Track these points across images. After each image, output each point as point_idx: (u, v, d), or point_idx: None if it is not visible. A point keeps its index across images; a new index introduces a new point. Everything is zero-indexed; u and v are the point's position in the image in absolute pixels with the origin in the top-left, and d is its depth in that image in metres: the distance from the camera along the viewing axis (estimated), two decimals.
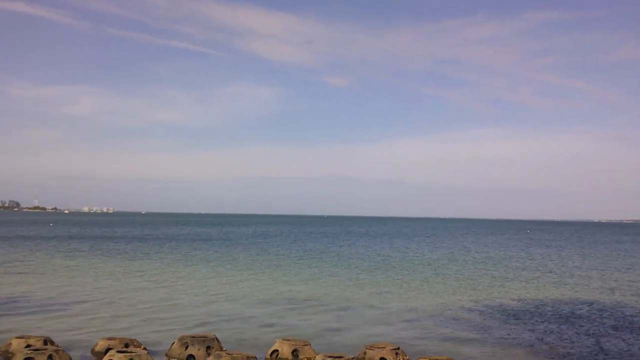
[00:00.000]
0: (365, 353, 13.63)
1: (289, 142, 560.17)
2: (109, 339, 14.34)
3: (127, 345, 13.90)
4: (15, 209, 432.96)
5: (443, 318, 20.81)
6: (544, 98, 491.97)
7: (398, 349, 13.91)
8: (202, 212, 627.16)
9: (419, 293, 27.73)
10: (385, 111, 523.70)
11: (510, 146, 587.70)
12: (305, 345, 14.08)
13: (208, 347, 13.73)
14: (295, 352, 13.78)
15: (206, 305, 22.33)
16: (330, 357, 13.03)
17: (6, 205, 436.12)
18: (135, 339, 14.56)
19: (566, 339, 17.46)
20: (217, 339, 14.35)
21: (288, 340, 14.40)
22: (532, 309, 23.10)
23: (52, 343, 13.92)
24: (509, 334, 17.99)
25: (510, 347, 16.27)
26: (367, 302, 24.41)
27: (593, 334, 18.29)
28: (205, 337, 14.28)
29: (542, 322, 20.30)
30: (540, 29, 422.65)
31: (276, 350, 13.95)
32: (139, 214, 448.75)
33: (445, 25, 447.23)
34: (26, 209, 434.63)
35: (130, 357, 12.23)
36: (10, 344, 13.70)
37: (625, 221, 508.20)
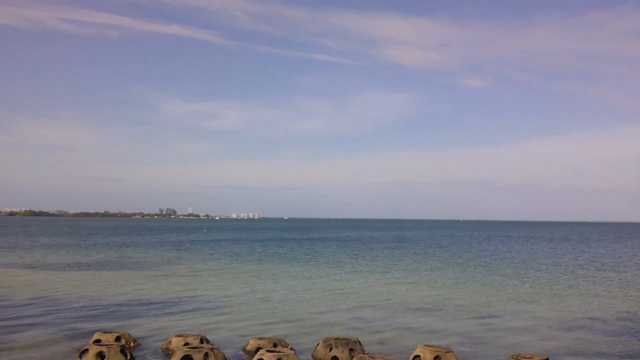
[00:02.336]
0: None
1: (424, 147, 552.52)
2: (259, 338, 15.06)
3: (275, 345, 14.50)
4: (172, 216, 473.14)
5: (597, 329, 19.18)
6: None
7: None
8: (339, 218, 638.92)
9: (568, 299, 25.86)
10: (523, 111, 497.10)
11: None
12: (447, 352, 13.72)
13: (351, 350, 13.91)
14: (437, 359, 13.48)
15: (349, 308, 22.63)
16: None
17: (164, 212, 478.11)
18: (283, 339, 15.15)
19: None
20: (359, 342, 14.48)
21: (430, 346, 14.13)
22: None
23: (208, 341, 14.92)
24: None
25: None
26: (510, 308, 23.25)
27: None
28: (348, 339, 14.47)
29: None
30: None
31: (418, 356, 13.75)
32: (281, 220, 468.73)
33: (589, 18, 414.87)
34: (181, 216, 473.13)
35: (278, 357, 12.74)
36: (171, 341, 14.91)
37: None
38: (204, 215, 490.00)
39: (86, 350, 13.54)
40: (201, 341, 14.69)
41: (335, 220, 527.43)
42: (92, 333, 15.89)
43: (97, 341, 14.51)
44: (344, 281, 32.38)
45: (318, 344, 14.57)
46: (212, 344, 14.63)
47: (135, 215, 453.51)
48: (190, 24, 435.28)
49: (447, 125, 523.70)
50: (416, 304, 23.98)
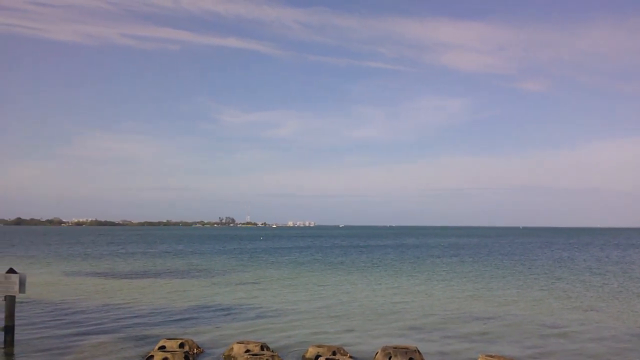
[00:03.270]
0: None
1: (481, 153, 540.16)
2: (319, 346, 15.19)
3: (334, 353, 14.59)
4: (231, 225, 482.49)
5: None
6: None
7: None
8: (394, 225, 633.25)
9: (636, 307, 24.73)
10: (583, 114, 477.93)
11: None
12: None
13: (410, 359, 13.83)
14: None
15: (409, 316, 22.47)
16: None
17: (223, 221, 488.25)
18: (342, 347, 15.22)
19: None
20: (418, 351, 14.38)
21: (492, 356, 13.86)
22: None
23: (268, 349, 15.17)
24: None
25: None
26: (575, 317, 22.45)
27: None
28: (408, 348, 14.40)
29: None
30: None
31: None
32: (337, 227, 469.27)
33: None
34: (240, 225, 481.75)
35: None
36: (232, 348, 15.25)
37: None
38: (262, 224, 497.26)
39: (151, 357, 14.05)
40: (262, 348, 14.95)
41: (391, 227, 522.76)
42: (157, 339, 16.47)
43: (162, 347, 15.01)
44: (404, 289, 32.13)
45: (377, 353, 14.56)
46: (272, 351, 14.87)
47: (195, 224, 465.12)
48: (246, 36, 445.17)
49: (504, 130, 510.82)
50: (478, 313, 23.53)
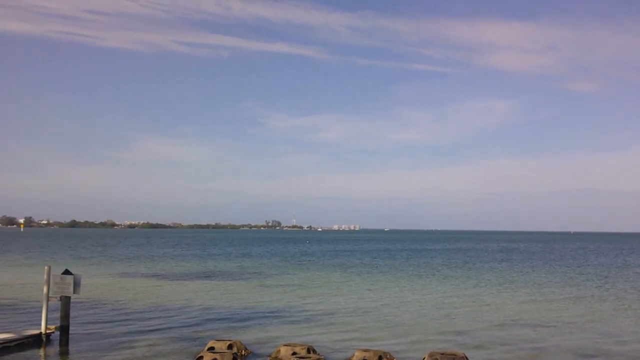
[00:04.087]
0: None
1: (530, 155, 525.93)
2: (365, 350, 15.15)
3: (380, 358, 14.52)
4: (277, 228, 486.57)
5: None
6: None
7: None
8: (440, 229, 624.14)
9: None
10: (637, 115, 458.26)
11: None
12: None
13: None
14: None
15: (457, 322, 22.12)
16: None
17: (270, 224, 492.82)
18: (388, 352, 15.13)
19: None
20: (466, 358, 14.16)
21: None
22: None
23: (314, 352, 15.23)
24: None
25: None
26: (628, 325, 21.60)
27: None
28: (455, 354, 14.19)
29: None
30: None
31: None
32: (382, 231, 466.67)
33: None
34: (286, 228, 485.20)
35: None
36: (279, 350, 15.38)
37: None
38: (307, 227, 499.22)
39: (201, 358, 14.33)
40: (308, 351, 15.03)
41: (437, 231, 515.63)
42: (207, 340, 16.79)
43: (211, 348, 15.29)
44: (452, 294, 31.65)
45: (424, 358, 14.41)
46: (318, 354, 14.92)
47: (243, 227, 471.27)
48: (294, 41, 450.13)
49: (554, 132, 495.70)
50: (527, 319, 22.97)
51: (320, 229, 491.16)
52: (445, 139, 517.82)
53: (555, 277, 43.60)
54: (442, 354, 14.24)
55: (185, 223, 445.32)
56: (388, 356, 14.83)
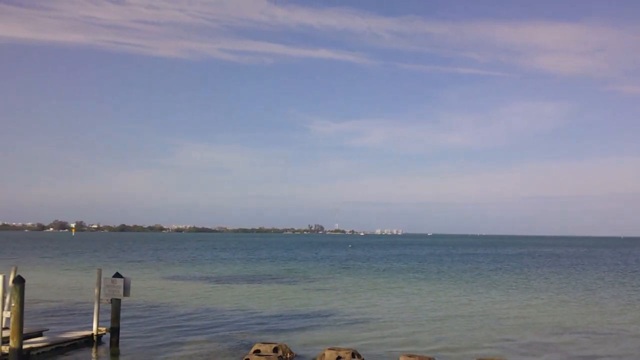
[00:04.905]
0: None
1: (577, 159, 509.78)
2: (409, 355, 15.00)
3: None
4: (320, 232, 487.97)
5: None
6: None
7: None
8: (484, 234, 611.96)
9: None
10: None
11: None
12: None
13: None
14: None
15: (504, 328, 21.67)
16: None
17: (312, 228, 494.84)
18: (433, 358, 14.94)
19: None
20: None
21: None
22: None
23: (359, 356, 15.18)
24: None
25: None
26: None
27: None
28: None
29: None
30: None
31: None
32: (425, 236, 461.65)
33: None
34: (328, 232, 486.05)
35: None
36: (324, 354, 15.39)
37: None
38: (350, 231, 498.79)
39: None
40: (353, 355, 14.99)
41: (481, 236, 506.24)
42: (252, 343, 16.98)
43: (257, 351, 15.44)
44: (501, 299, 31.03)
45: None
46: (363, 359, 14.86)
47: (286, 231, 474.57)
48: (337, 47, 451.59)
49: (602, 135, 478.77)
50: (577, 327, 22.29)
51: (362, 234, 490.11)
52: (489, 143, 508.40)
53: (606, 283, 42.17)
54: None
55: (230, 227, 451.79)
56: None
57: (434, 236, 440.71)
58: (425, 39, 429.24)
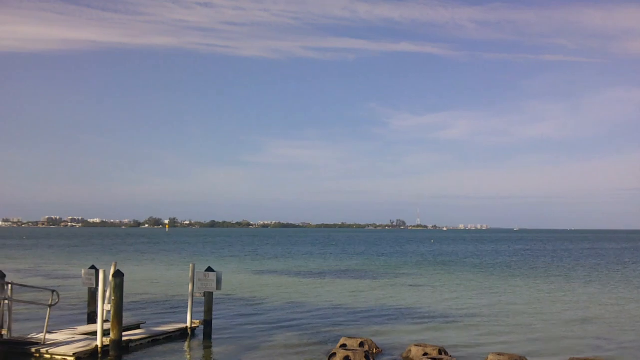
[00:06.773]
0: None
1: None
2: (499, 354, 14.68)
3: None
4: (402, 227, 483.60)
5: None
6: None
7: None
8: (574, 229, 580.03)
9: None
10: None
11: None
12: None
13: None
14: None
15: (600, 327, 20.65)
16: None
17: (394, 223, 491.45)
18: (524, 357, 14.54)
19: None
20: None
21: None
22: None
23: (446, 353, 15.02)
24: None
25: None
26: None
27: None
28: None
29: None
30: None
31: None
32: (511, 231, 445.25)
33: None
34: (410, 227, 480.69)
35: None
36: (410, 350, 15.36)
37: None
38: (432, 226, 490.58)
39: (334, 354, 14.72)
40: (440, 352, 14.86)
41: (570, 231, 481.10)
42: (338, 337, 17.22)
43: (344, 345, 15.65)
44: (593, 297, 29.53)
45: None
46: (450, 356, 14.70)
47: (368, 226, 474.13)
48: (419, 39, 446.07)
49: None
50: None
51: (445, 228, 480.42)
52: (579, 132, 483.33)
53: None
54: None
55: (313, 223, 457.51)
56: None
57: (521, 231, 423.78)
58: (510, 27, 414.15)
